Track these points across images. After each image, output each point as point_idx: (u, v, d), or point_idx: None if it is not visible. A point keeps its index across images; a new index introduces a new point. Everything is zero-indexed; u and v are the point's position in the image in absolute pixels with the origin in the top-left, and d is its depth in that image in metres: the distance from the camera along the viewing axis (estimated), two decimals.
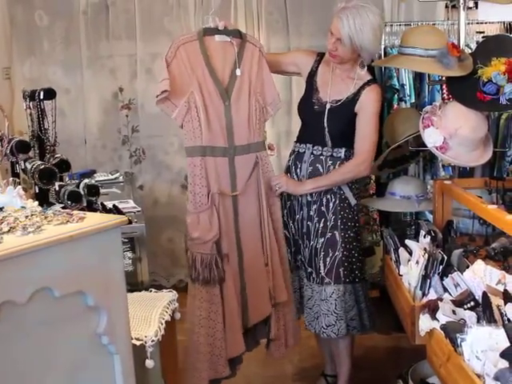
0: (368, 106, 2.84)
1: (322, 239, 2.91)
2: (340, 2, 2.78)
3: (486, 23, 4.09)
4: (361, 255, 3.00)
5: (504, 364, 1.69)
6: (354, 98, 2.85)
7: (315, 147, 2.91)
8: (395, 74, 3.82)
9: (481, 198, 2.68)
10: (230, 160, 2.73)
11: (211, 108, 2.69)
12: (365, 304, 3.00)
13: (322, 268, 2.91)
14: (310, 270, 2.97)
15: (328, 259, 2.90)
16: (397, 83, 3.82)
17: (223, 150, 2.72)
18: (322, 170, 2.89)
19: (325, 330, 2.92)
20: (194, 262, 2.67)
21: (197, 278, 2.67)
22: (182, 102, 2.64)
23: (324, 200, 2.91)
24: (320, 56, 2.96)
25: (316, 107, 2.90)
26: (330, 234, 2.91)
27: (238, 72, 2.73)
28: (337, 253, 2.89)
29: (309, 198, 2.93)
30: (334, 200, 2.90)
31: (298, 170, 2.95)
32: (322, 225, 2.92)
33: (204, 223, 2.67)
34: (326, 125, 2.85)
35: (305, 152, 2.94)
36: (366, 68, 2.86)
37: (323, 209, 2.91)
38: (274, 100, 2.86)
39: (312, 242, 2.94)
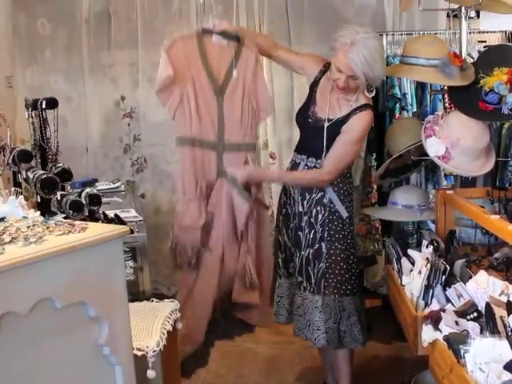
0: (351, 131, 2.81)
1: (312, 250, 2.93)
2: (340, 36, 2.71)
3: (487, 32, 4.10)
4: (353, 268, 2.95)
5: (508, 376, 1.69)
6: (343, 121, 2.82)
7: (309, 159, 2.90)
8: (397, 83, 3.82)
9: (483, 207, 2.68)
10: (218, 155, 2.88)
11: (203, 102, 2.83)
12: (356, 318, 2.94)
13: (312, 278, 2.92)
14: (300, 279, 2.97)
15: (315, 270, 2.91)
16: (399, 92, 3.82)
17: (212, 145, 2.88)
18: None
19: (316, 339, 2.93)
20: (183, 251, 2.89)
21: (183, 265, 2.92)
22: (176, 93, 2.78)
23: (314, 211, 2.91)
24: (326, 67, 2.93)
25: (310, 121, 2.90)
26: (317, 245, 2.91)
27: (235, 73, 2.83)
28: (321, 264, 2.90)
29: (300, 209, 2.94)
30: (323, 212, 2.90)
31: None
32: (311, 236, 2.93)
33: (193, 211, 2.84)
34: (325, 144, 2.84)
35: (300, 163, 2.95)
36: (374, 92, 2.85)
37: (312, 220, 2.91)
38: (266, 106, 2.95)
39: (303, 252, 2.95)
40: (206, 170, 2.88)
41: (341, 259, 2.90)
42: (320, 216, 2.90)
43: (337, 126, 2.83)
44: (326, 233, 2.89)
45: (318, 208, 2.90)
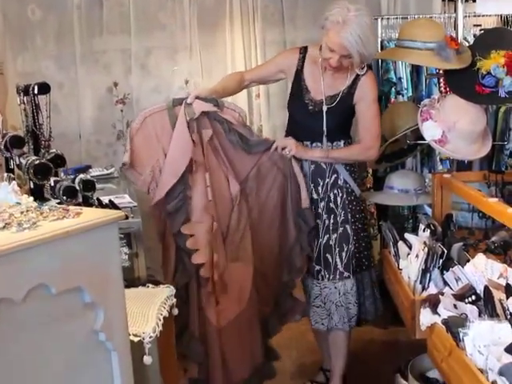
0: (366, 95, 2.82)
1: (335, 235, 2.90)
2: (330, 15, 2.64)
3: (482, 16, 4.08)
4: (369, 243, 3.05)
5: (508, 359, 1.68)
6: (350, 92, 2.82)
7: (314, 144, 2.88)
8: (392, 68, 3.80)
9: (480, 191, 2.67)
10: None
11: None
12: (369, 291, 3.01)
13: (339, 263, 2.90)
14: (318, 267, 2.93)
15: (344, 254, 2.90)
16: (394, 77, 3.80)
17: None
18: (325, 166, 2.88)
19: (348, 322, 2.93)
20: None
21: None
22: (147, 170, 2.68)
23: (332, 195, 2.89)
24: (303, 53, 2.90)
25: (310, 108, 2.87)
26: (342, 228, 2.90)
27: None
28: (350, 246, 2.90)
29: (315, 196, 2.91)
30: (341, 195, 2.89)
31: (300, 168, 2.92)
32: (332, 221, 2.90)
33: None
34: (324, 128, 2.83)
35: None
36: (365, 69, 2.81)
37: (332, 205, 2.89)
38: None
39: (320, 240, 2.92)
40: None
41: (362, 237, 2.96)
42: (339, 199, 2.89)
43: (345, 101, 2.82)
44: (349, 214, 2.90)
45: (335, 191, 2.89)
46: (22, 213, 1.70)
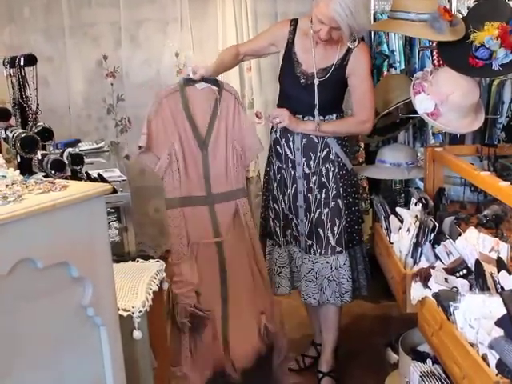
0: (359, 67, 2.78)
1: (327, 209, 2.88)
2: None
3: None
4: (360, 218, 3.05)
5: (498, 332, 1.67)
6: (342, 64, 2.78)
7: (306, 117, 2.85)
8: (385, 40, 3.76)
9: (472, 165, 2.65)
10: (210, 208, 2.76)
11: (190, 158, 2.72)
12: (362, 266, 3.02)
13: (331, 238, 2.89)
14: (310, 242, 2.92)
15: (336, 228, 2.88)
16: (387, 49, 3.77)
17: (202, 199, 2.75)
18: (317, 140, 2.85)
19: (340, 297, 2.93)
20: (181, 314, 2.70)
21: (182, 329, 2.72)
22: (164, 154, 2.65)
23: (323, 170, 2.87)
24: (294, 25, 2.86)
25: (302, 81, 2.83)
26: (333, 203, 2.88)
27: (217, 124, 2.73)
28: (341, 220, 2.89)
29: (306, 171, 2.89)
30: (333, 169, 2.87)
31: (291, 143, 2.89)
32: (323, 195, 2.88)
33: (185, 273, 2.70)
34: (316, 102, 2.79)
35: None
36: (357, 42, 2.77)
37: (323, 179, 2.87)
38: (253, 145, 2.79)
39: (312, 214, 2.90)
40: (199, 227, 2.74)
41: (353, 211, 2.95)
42: (331, 173, 2.88)
43: (337, 73, 2.78)
44: (341, 189, 2.89)
45: (327, 165, 2.87)
46: (6, 186, 1.67)
